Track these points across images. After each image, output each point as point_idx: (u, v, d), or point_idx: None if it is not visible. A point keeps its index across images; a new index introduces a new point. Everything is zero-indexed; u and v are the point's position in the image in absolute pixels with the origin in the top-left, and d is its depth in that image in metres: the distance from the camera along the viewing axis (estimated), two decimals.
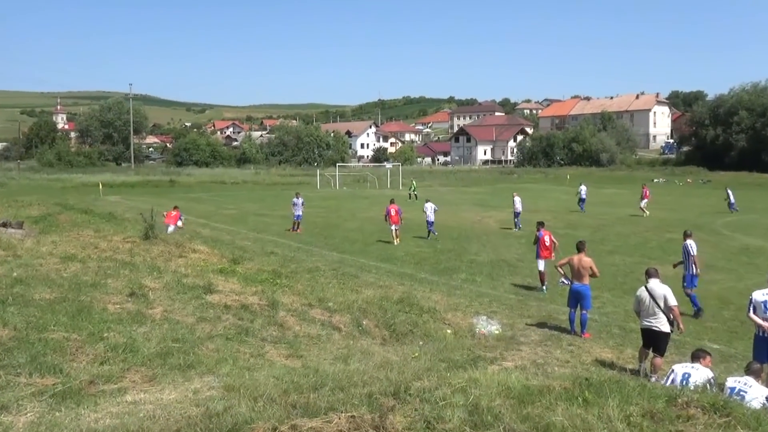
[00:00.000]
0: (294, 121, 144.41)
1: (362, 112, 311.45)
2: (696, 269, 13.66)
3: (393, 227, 23.25)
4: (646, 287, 9.66)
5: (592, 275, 11.93)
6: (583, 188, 36.21)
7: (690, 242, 13.88)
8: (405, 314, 11.53)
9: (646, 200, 33.97)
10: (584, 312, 11.88)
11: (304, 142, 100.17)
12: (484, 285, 16.09)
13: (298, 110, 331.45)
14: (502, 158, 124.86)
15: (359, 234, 25.63)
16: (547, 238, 16.07)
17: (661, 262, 19.22)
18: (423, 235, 25.18)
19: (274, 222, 29.73)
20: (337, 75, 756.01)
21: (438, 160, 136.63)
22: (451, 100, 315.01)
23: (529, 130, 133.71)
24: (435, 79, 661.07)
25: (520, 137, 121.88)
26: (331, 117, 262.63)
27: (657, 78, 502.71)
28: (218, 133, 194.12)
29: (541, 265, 15.80)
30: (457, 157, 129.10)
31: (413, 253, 20.94)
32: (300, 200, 27.36)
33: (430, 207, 24.69)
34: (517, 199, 28.42)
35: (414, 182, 49.85)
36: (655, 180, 71.62)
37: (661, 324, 9.49)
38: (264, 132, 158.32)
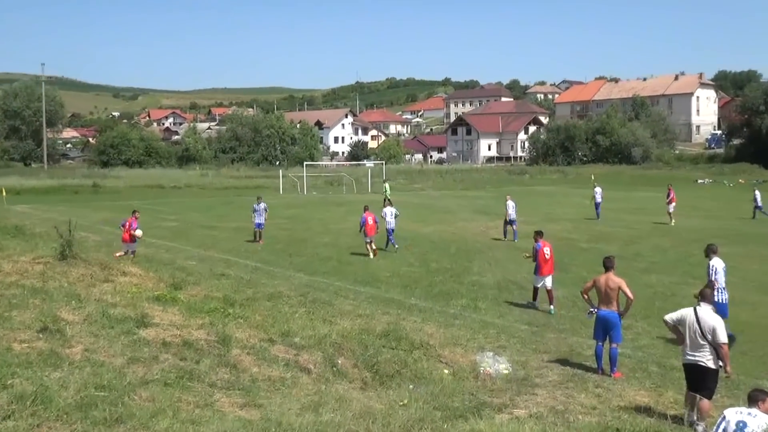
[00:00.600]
0: (250, 110, 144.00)
1: (336, 98, 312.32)
2: (719, 295, 13.37)
3: (368, 239, 24.25)
4: (695, 310, 9.73)
5: (626, 307, 11.94)
6: (599, 190, 37.26)
7: (714, 261, 13.73)
8: (391, 351, 11.51)
9: (674, 204, 34.82)
10: (614, 346, 11.93)
11: (262, 135, 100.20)
12: (490, 313, 16.14)
13: (256, 96, 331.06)
14: (511, 154, 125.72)
15: (333, 250, 25.61)
16: (547, 250, 17.12)
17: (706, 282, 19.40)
18: (413, 248, 25.22)
19: (226, 236, 29.63)
20: (304, 51, 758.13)
21: (431, 156, 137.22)
22: (446, 82, 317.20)
23: (544, 120, 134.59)
24: (426, 57, 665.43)
25: (532, 128, 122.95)
26: (297, 104, 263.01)
27: (700, 55, 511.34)
28: (154, 124, 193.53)
29: (540, 281, 16.92)
30: (454, 154, 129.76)
31: (401, 273, 20.96)
32: (262, 206, 28.16)
33: (390, 212, 26.05)
34: (510, 204, 28.93)
35: (388, 185, 49.74)
36: (699, 181, 72.48)
37: (708, 359, 9.55)
38: (212, 123, 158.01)
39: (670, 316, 10.00)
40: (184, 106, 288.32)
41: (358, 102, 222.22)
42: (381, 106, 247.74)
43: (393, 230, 25.75)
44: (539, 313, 16.13)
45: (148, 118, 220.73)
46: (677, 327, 9.90)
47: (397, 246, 25.48)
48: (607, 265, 12.20)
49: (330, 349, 11.12)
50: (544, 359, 12.59)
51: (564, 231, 31.34)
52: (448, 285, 19.25)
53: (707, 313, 9.68)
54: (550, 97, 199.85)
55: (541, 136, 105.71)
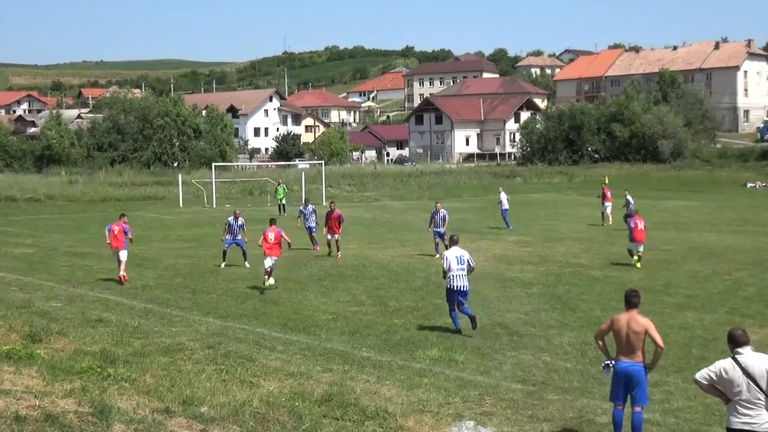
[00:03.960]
0: (137, 91, 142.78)
1: (256, 75, 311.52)
2: (453, 282, 18.93)
3: (334, 237, 31.57)
4: (736, 360, 9.86)
5: (654, 357, 12.06)
6: (504, 196, 42.35)
7: (448, 252, 19.37)
8: (335, 422, 11.48)
9: (609, 204, 42.39)
10: (638, 410, 12.05)
11: (154, 126, 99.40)
12: (470, 368, 16.18)
13: (144, 71, 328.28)
14: (497, 150, 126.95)
15: (253, 285, 25.46)
16: (271, 236, 24.93)
17: (762, 321, 19.78)
18: (364, 281, 25.23)
19: (104, 266, 29.24)
20: (209, 10, 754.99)
21: (388, 154, 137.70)
22: (408, 53, 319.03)
23: (541, 103, 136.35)
24: (380, 17, 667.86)
25: (525, 114, 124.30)
26: (201, 83, 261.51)
27: (748, 17, 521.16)
28: (2, 111, 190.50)
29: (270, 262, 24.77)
30: (420, 150, 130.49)
31: (347, 315, 20.90)
32: (310, 208, 34.88)
33: (236, 223, 30.02)
34: (444, 213, 32.23)
35: (284, 188, 51.92)
36: (750, 185, 74.06)
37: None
38: (83, 110, 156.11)
39: (704, 374, 10.08)
40: (43, 87, 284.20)
41: (286, 80, 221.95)
42: (319, 86, 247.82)
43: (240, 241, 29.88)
44: (536, 368, 16.25)
45: None
46: (716, 387, 9.98)
47: (248, 266, 29.22)
48: (631, 302, 12.29)
49: (250, 421, 11.04)
50: (543, 430, 12.67)
51: (570, 254, 31.66)
52: (412, 330, 19.25)
53: (754, 358, 9.80)
54: (548, 72, 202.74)
55: (537, 126, 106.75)
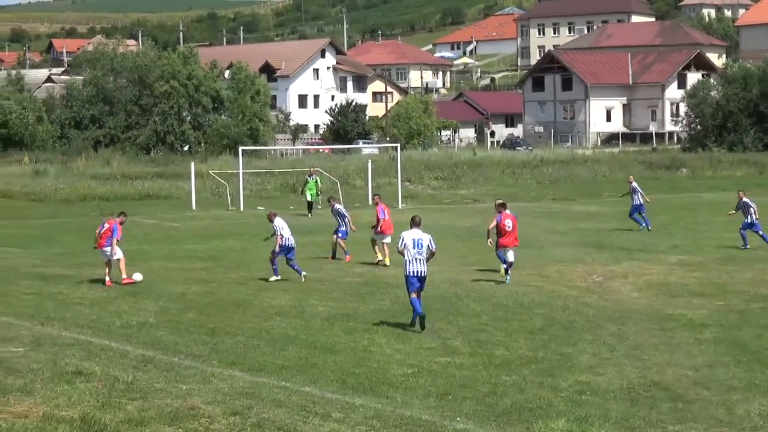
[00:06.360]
0: (131, 43, 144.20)
1: (301, 19, 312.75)
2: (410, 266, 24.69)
3: (385, 239, 35.05)
4: None
5: None
6: (635, 187, 47.53)
7: (406, 234, 24.62)
8: None
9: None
10: None
11: (156, 93, 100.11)
12: None
13: (141, 13, 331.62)
14: (652, 129, 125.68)
15: (298, 323, 25.53)
16: (509, 222, 31.10)
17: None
18: (457, 319, 25.18)
19: (84, 294, 29.59)
20: None
21: (493, 134, 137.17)
22: None
23: (717, 60, 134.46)
24: None
25: (694, 76, 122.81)
26: (223, 31, 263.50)
27: None
28: None
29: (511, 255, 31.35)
30: (539, 128, 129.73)
31: (434, 368, 20.83)
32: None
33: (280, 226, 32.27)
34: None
35: (316, 180, 53.12)
36: None
37: None
38: (56, 70, 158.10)
39: None
40: None
41: (345, 26, 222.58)
42: (392, 35, 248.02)
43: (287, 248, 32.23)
44: None
45: None
46: None
47: (304, 273, 32.36)
48: None
49: None
50: None
51: (761, 282, 31.22)
52: (529, 392, 19.11)
53: None
54: (728, 13, 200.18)
55: (712, 93, 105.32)
